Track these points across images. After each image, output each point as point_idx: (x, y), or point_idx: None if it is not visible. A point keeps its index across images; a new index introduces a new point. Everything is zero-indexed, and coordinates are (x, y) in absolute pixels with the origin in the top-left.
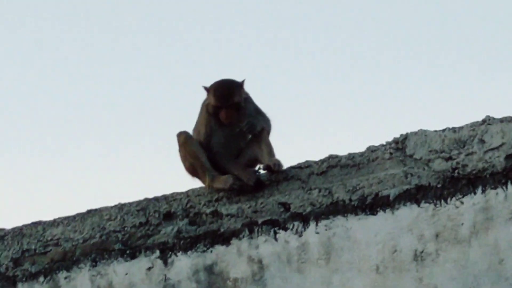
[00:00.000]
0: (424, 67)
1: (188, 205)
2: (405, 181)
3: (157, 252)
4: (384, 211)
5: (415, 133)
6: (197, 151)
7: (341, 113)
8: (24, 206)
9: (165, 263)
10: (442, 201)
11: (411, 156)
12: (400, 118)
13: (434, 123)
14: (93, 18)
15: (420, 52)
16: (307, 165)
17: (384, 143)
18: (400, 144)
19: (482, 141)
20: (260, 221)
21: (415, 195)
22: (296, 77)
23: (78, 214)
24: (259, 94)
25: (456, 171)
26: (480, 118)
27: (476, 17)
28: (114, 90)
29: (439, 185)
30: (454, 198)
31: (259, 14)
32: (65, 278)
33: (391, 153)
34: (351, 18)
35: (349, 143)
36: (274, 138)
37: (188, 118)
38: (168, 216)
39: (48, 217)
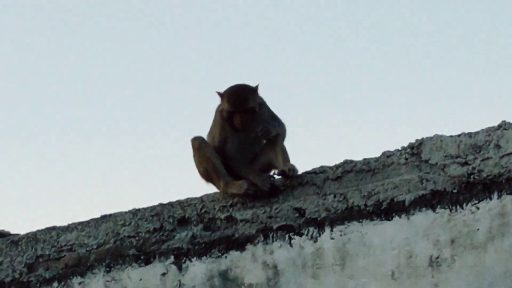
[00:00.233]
0: (440, 72)
1: (202, 211)
2: (421, 187)
3: (172, 258)
4: (400, 216)
5: (431, 138)
6: (211, 156)
7: (356, 118)
8: (38, 212)
9: (180, 268)
10: (458, 206)
11: (426, 161)
12: (416, 123)
13: (450, 128)
14: (113, 29)
15: (437, 57)
16: (322, 170)
17: (400, 148)
18: (415, 149)
19: (498, 146)
20: (275, 227)
21: (431, 200)
22: (311, 82)
23: (92, 220)
24: (274, 99)
25: (472, 176)
26: (496, 123)
27: (491, 21)
28: (129, 96)
29: (454, 191)
30: (469, 204)
31: (274, 19)
32: (79, 283)
33: (406, 158)
34: (367, 25)
35: (364, 148)
36: (288, 143)
37: (203, 124)
38: (183, 222)
39: (62, 222)
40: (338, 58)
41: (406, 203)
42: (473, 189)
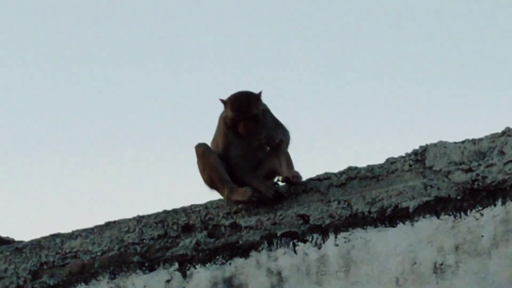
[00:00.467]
0: (444, 79)
1: (206, 217)
2: (425, 193)
3: (176, 265)
4: (404, 223)
5: (435, 145)
6: (215, 163)
7: (360, 125)
8: (43, 219)
9: (184, 275)
10: (462, 213)
11: (430, 168)
12: (420, 129)
13: (454, 134)
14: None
15: (441, 63)
16: (326, 177)
17: (404, 154)
18: (419, 156)
19: (502, 153)
20: (279, 233)
21: (435, 207)
22: (315, 88)
23: (96, 227)
24: (278, 106)
25: (476, 183)
26: (499, 129)
27: (494, 27)
28: (133, 103)
29: (458, 197)
30: (474, 210)
31: (278, 24)
32: None
33: (410, 165)
34: (369, 32)
35: (368, 154)
36: (292, 150)
37: (207, 130)
38: (187, 228)
39: (66, 229)
40: (342, 64)
41: (410, 210)
42: (477, 195)
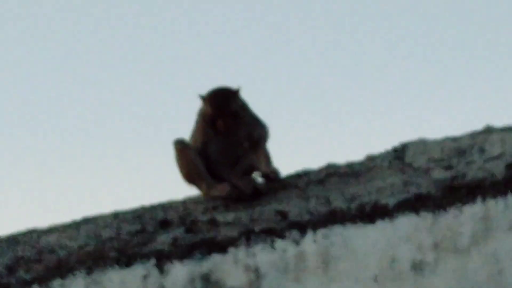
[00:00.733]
0: (424, 75)
1: (184, 213)
2: (404, 190)
3: (153, 260)
4: (383, 220)
5: (415, 142)
6: (194, 158)
7: (339, 121)
8: (19, 213)
9: (161, 271)
10: (442, 210)
11: (410, 164)
12: (400, 126)
13: (434, 131)
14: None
15: (420, 59)
16: (305, 173)
17: (383, 151)
18: (399, 153)
19: (482, 150)
20: (257, 230)
21: (414, 204)
22: (294, 83)
23: (73, 222)
24: (256, 101)
25: (456, 180)
26: (480, 126)
27: (474, 24)
28: (108, 96)
29: (438, 194)
30: (453, 207)
31: (254, 20)
32: (60, 285)
33: (390, 162)
34: (348, 25)
35: (348, 151)
36: (271, 146)
37: (185, 126)
38: (164, 224)
39: (43, 224)
40: (321, 59)
41: (390, 207)
42: (456, 193)
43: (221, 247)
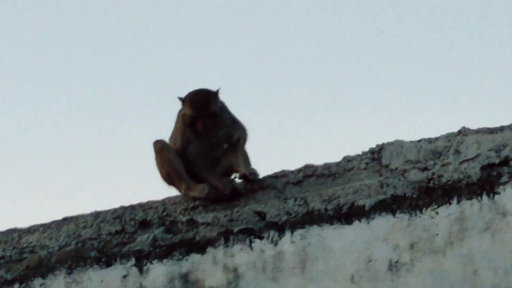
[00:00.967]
0: (401, 78)
1: (164, 213)
2: (381, 191)
3: (133, 260)
4: (360, 220)
5: (391, 144)
6: (173, 159)
7: (317, 123)
8: None
9: (141, 271)
10: (418, 211)
11: (386, 166)
12: (376, 128)
13: (410, 133)
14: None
15: (397, 63)
16: (283, 174)
17: (360, 153)
18: (376, 154)
19: (457, 152)
20: (235, 230)
21: (391, 205)
22: (272, 85)
23: (54, 222)
24: (235, 103)
25: (432, 181)
26: (455, 129)
27: (450, 28)
28: (90, 97)
29: (414, 195)
30: (429, 209)
31: (231, 22)
32: (41, 285)
33: (367, 163)
34: (328, 28)
35: (325, 152)
36: (250, 147)
37: (164, 127)
38: (144, 224)
39: (23, 224)
40: (299, 61)
41: (366, 208)
42: (432, 194)
43: (200, 247)
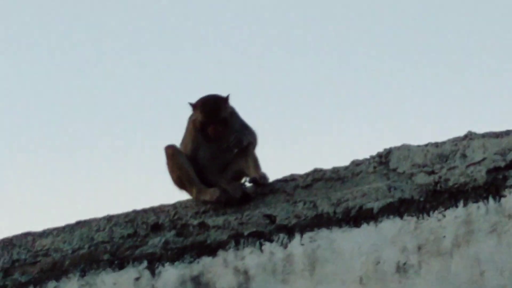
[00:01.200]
0: (408, 84)
1: (175, 217)
2: (389, 195)
3: (145, 263)
4: (368, 223)
5: (399, 148)
6: (184, 164)
7: (326, 127)
8: (14, 217)
9: (153, 273)
10: (425, 214)
11: (394, 170)
12: (384, 132)
13: (417, 138)
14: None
15: (403, 69)
16: (292, 178)
17: (368, 157)
18: (383, 158)
19: (464, 156)
20: (246, 233)
21: (398, 208)
22: (282, 91)
23: (67, 225)
24: (244, 108)
25: (439, 185)
26: (462, 133)
27: (454, 34)
28: (103, 103)
29: (421, 199)
30: (436, 211)
31: (241, 29)
32: (54, 287)
33: (375, 167)
34: (331, 33)
35: (334, 156)
36: (259, 152)
37: (176, 132)
38: (156, 228)
39: (37, 228)
40: (308, 67)
41: (374, 211)
42: (439, 197)
43: (211, 250)
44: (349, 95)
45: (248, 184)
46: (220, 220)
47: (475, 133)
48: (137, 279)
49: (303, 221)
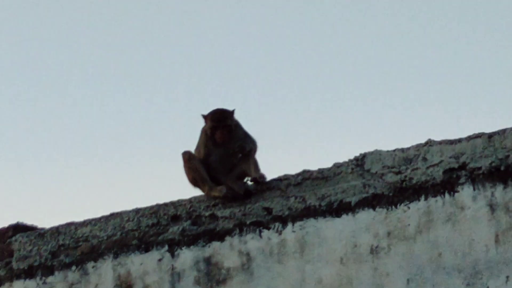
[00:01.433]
0: (379, 97)
1: (191, 209)
2: (364, 191)
3: (166, 247)
4: (347, 214)
5: (372, 153)
6: (198, 166)
7: (313, 136)
8: (60, 210)
9: (172, 255)
10: (393, 206)
11: (368, 170)
12: (360, 139)
13: (387, 144)
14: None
15: (376, 79)
16: (285, 177)
17: (347, 160)
18: (359, 161)
19: (425, 159)
20: (248, 222)
21: (372, 201)
22: (278, 107)
23: (103, 216)
24: (246, 120)
25: (404, 182)
26: (423, 140)
27: (425, 37)
28: (137, 110)
29: (390, 194)
30: (402, 204)
31: (234, 44)
32: (93, 267)
33: (352, 168)
34: (314, 41)
35: (319, 160)
36: (259, 156)
37: (191, 140)
38: (175, 218)
39: (79, 218)
40: (290, 76)
41: (352, 204)
42: (405, 193)
43: (220, 236)
44: (333, 108)
45: (249, 183)
46: (227, 212)
47: (434, 141)
48: (160, 260)
49: (295, 212)
